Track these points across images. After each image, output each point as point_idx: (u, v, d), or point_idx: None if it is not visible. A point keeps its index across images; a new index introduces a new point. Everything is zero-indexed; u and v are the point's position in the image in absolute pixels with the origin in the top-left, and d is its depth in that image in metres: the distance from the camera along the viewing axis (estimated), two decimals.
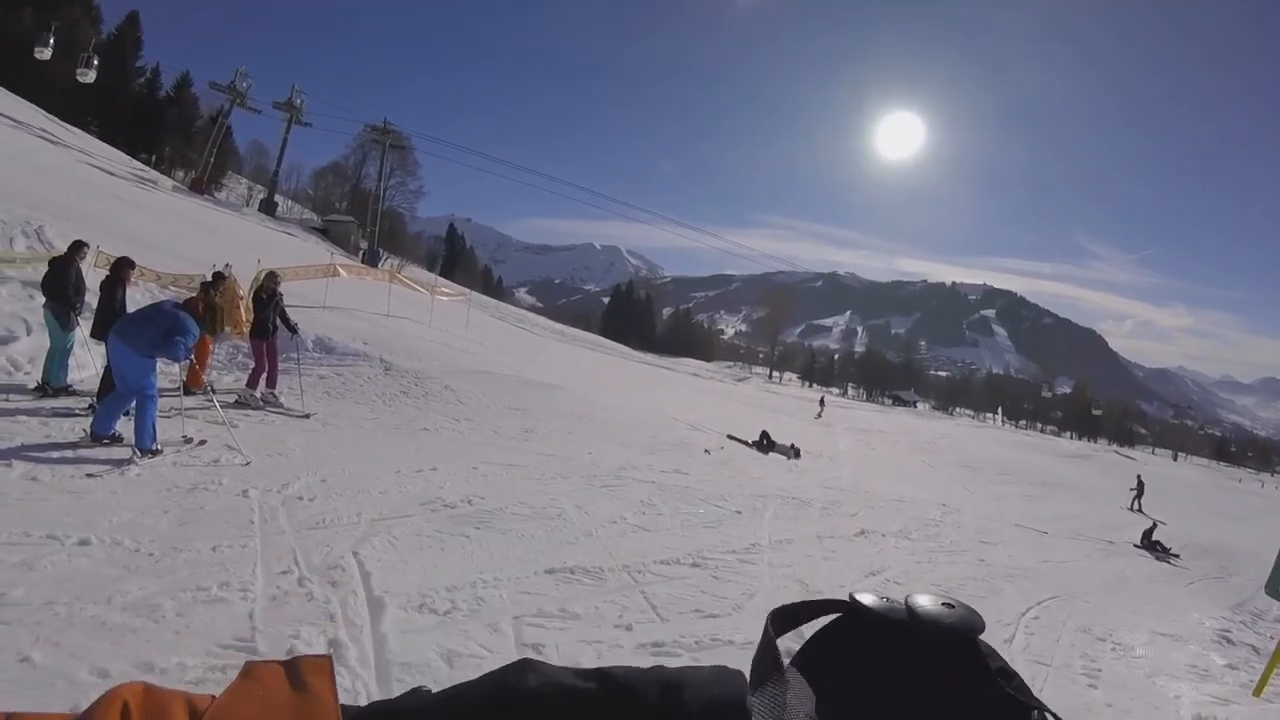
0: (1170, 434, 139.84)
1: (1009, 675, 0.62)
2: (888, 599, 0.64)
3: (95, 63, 46.34)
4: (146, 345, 6.40)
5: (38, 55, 43.81)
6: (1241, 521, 30.40)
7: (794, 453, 17.51)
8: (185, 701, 0.44)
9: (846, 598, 0.64)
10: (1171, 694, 6.87)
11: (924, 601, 0.62)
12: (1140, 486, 29.91)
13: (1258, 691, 7.29)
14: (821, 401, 44.87)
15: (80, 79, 45.40)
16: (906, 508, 13.20)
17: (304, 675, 0.49)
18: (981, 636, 0.63)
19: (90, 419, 6.68)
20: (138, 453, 6.19)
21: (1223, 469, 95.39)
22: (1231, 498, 45.90)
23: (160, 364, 6.94)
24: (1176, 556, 17.98)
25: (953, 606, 0.62)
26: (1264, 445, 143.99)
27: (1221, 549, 20.19)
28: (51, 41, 44.35)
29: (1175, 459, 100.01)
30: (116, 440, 6.44)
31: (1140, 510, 28.06)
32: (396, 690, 3.33)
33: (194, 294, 6.81)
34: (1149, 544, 18.43)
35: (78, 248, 8.66)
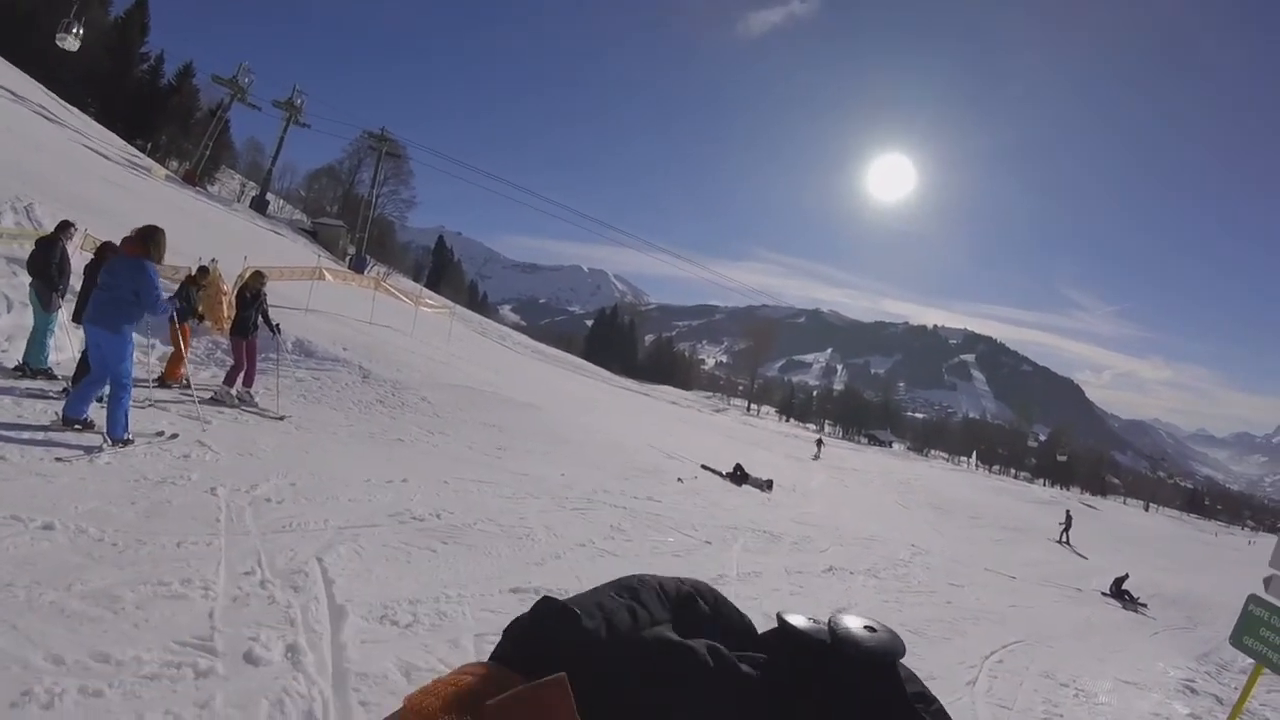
0: (1142, 485, 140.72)
1: (927, 700, 0.64)
2: (814, 619, 0.66)
3: (77, 30, 42.14)
4: (123, 317, 6.27)
5: (59, 43, 41.58)
6: (1211, 573, 30.64)
7: (767, 486, 17.55)
8: None
9: (774, 617, 0.67)
10: None
11: (846, 623, 0.64)
12: (1068, 521, 30.93)
13: None
14: (819, 443, 42.50)
15: (59, 44, 42.07)
16: (876, 546, 13.24)
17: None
18: (938, 676, 0.66)
19: (63, 402, 6.61)
20: (109, 441, 6.11)
21: (1193, 521, 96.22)
22: (1202, 549, 46.18)
23: (137, 355, 6.86)
24: (1144, 605, 18.13)
25: (875, 630, 0.64)
26: (1235, 499, 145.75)
27: (1190, 599, 20.37)
28: (79, 32, 41.89)
29: (1146, 509, 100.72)
30: (88, 426, 6.36)
31: (1068, 543, 29.40)
32: (352, 699, 3.31)
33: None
34: (1118, 592, 18.58)
35: (64, 228, 8.59)
